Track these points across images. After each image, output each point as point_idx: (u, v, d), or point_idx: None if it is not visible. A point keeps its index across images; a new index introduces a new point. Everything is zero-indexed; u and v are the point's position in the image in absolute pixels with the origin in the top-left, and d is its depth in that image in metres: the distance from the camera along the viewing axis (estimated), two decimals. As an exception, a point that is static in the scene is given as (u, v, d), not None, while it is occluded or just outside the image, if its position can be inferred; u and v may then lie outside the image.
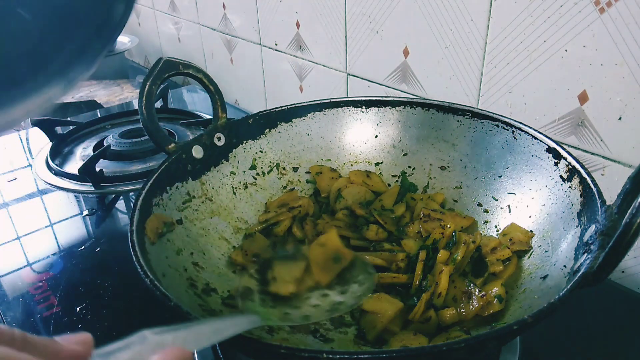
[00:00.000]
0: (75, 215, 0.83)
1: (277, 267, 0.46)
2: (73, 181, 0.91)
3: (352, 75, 0.94)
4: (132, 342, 0.28)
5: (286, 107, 0.69)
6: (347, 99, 0.69)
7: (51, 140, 1.03)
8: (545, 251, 0.51)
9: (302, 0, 0.96)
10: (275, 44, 1.09)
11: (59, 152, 1.02)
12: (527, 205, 0.56)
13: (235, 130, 0.65)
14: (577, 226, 0.47)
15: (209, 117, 1.10)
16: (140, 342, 0.28)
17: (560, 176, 0.52)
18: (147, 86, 0.56)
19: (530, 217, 0.55)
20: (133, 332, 0.29)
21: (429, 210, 0.61)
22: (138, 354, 0.28)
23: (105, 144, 0.98)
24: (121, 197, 0.88)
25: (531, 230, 0.54)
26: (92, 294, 0.65)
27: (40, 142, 1.06)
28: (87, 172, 0.87)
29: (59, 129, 1.06)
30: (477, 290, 0.50)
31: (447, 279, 0.51)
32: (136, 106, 0.75)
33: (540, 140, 0.56)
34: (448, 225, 0.57)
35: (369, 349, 0.49)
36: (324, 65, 0.99)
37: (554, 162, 0.54)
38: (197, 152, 0.61)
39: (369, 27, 0.86)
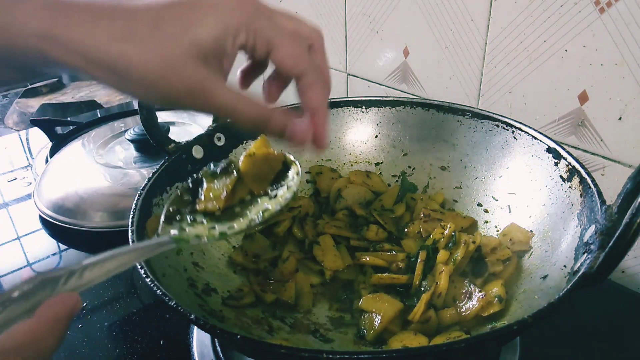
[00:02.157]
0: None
1: (208, 184, 0.45)
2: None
3: (352, 75, 0.94)
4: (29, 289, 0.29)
5: (286, 107, 0.68)
6: (347, 99, 0.69)
7: (51, 140, 1.03)
8: (545, 251, 0.51)
9: (302, 0, 0.96)
10: (275, 44, 1.09)
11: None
12: (527, 205, 0.56)
13: (235, 131, 0.65)
14: (577, 226, 0.47)
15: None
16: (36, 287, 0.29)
17: (560, 176, 0.52)
18: (147, 86, 0.56)
19: (530, 217, 0.55)
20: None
21: (429, 210, 0.61)
22: (31, 299, 0.29)
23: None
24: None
25: (531, 230, 0.54)
26: (92, 293, 0.65)
27: (40, 142, 1.06)
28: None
29: (59, 129, 1.06)
30: (477, 290, 0.50)
31: (447, 279, 0.51)
32: (136, 106, 0.75)
33: (540, 140, 0.56)
34: (448, 225, 0.57)
35: (369, 349, 0.49)
36: (324, 65, 0.99)
37: (554, 162, 0.54)
38: (197, 152, 0.61)
39: (369, 27, 0.86)
